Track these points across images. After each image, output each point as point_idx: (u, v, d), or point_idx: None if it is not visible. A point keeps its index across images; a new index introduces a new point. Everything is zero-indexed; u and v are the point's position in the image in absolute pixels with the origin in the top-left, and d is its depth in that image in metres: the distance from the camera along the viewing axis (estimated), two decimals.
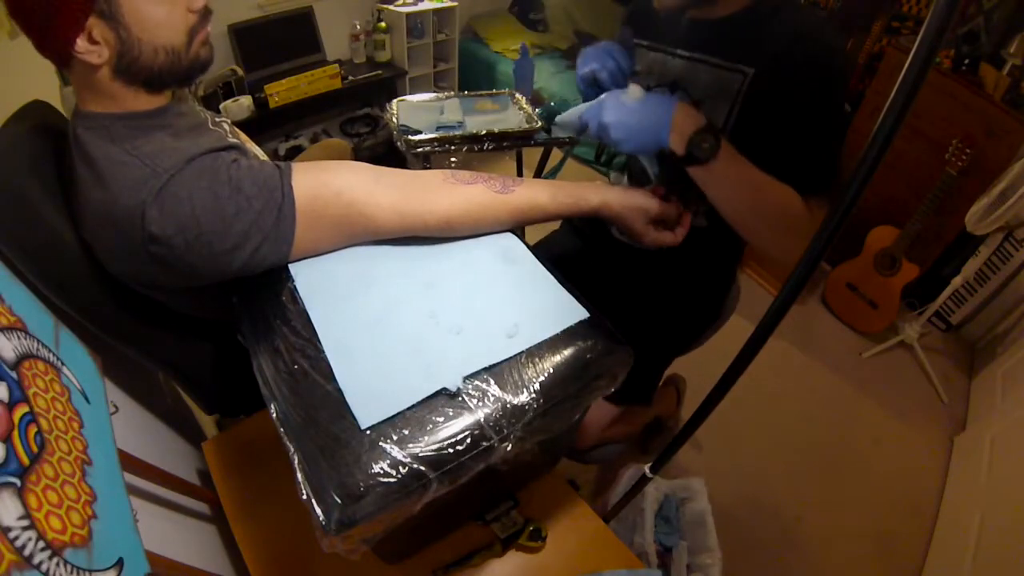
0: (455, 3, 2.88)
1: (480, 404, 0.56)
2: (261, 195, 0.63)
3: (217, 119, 0.79)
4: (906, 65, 0.39)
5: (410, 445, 0.52)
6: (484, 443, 0.54)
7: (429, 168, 1.70)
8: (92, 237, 0.66)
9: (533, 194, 0.76)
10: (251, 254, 0.63)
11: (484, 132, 1.55)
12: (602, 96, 0.78)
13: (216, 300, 0.73)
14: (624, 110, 0.74)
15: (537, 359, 0.61)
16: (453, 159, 1.55)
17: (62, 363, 0.62)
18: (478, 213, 0.73)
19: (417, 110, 1.64)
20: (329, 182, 0.66)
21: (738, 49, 0.81)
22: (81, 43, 0.59)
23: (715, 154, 0.72)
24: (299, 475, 0.50)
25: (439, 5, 2.83)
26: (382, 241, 0.73)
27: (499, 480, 0.79)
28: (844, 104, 0.79)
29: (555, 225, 1.27)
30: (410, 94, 1.79)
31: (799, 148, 0.78)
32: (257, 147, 0.92)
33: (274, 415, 0.56)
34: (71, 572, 0.44)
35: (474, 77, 3.20)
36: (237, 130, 0.89)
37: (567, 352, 0.62)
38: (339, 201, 0.66)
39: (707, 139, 0.71)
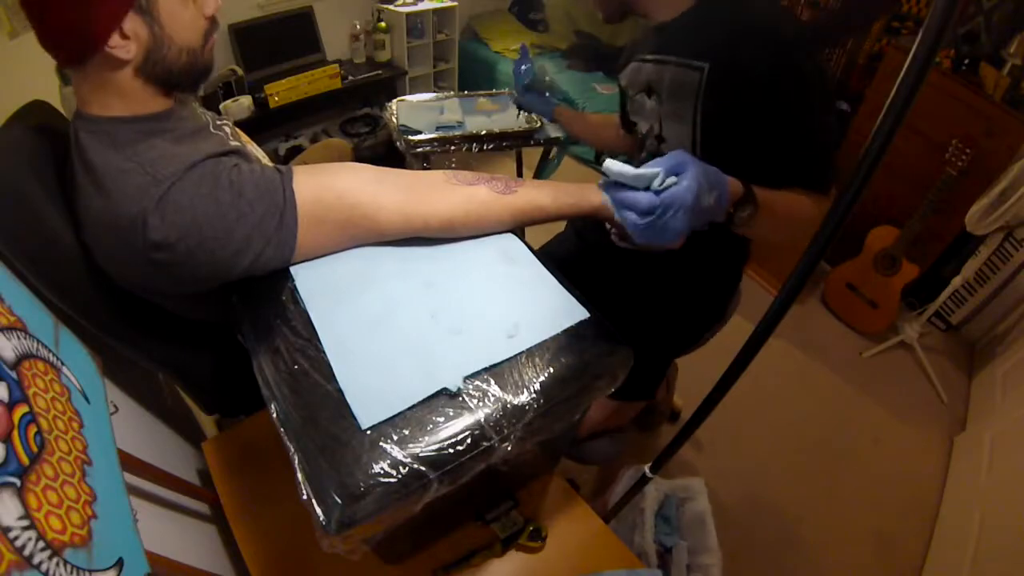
0: (455, 3, 2.88)
1: (480, 404, 0.56)
2: (263, 200, 0.63)
3: (219, 122, 0.79)
4: (906, 65, 0.39)
5: (410, 445, 0.52)
6: (484, 443, 0.54)
7: (429, 168, 1.71)
8: (93, 243, 0.66)
9: (535, 195, 0.76)
10: (254, 259, 0.64)
11: (484, 132, 1.55)
12: (685, 181, 0.61)
13: (216, 303, 0.73)
14: (699, 213, 0.63)
15: (537, 359, 0.61)
16: (453, 159, 1.55)
17: (62, 363, 0.62)
18: (480, 214, 0.73)
19: (417, 110, 1.64)
20: (331, 185, 0.66)
21: (693, 47, 0.82)
22: (116, 37, 0.59)
23: (753, 220, 0.71)
24: (299, 475, 0.50)
25: (439, 5, 2.83)
26: (382, 241, 0.73)
27: (499, 480, 0.79)
28: (814, 101, 0.76)
29: (559, 228, 1.27)
30: (410, 94, 1.79)
31: (775, 144, 0.78)
32: (258, 148, 0.92)
33: (274, 415, 0.56)
34: (71, 572, 0.44)
35: (474, 77, 3.20)
36: (239, 132, 0.88)
37: (567, 352, 0.62)
38: (341, 204, 0.66)
39: (747, 209, 0.71)
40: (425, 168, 1.66)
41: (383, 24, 2.72)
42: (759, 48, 0.76)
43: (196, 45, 0.67)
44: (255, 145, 0.92)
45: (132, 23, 0.59)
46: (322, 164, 0.70)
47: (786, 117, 0.77)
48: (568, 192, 0.77)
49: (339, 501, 0.48)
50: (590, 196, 0.77)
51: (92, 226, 0.64)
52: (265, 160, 0.86)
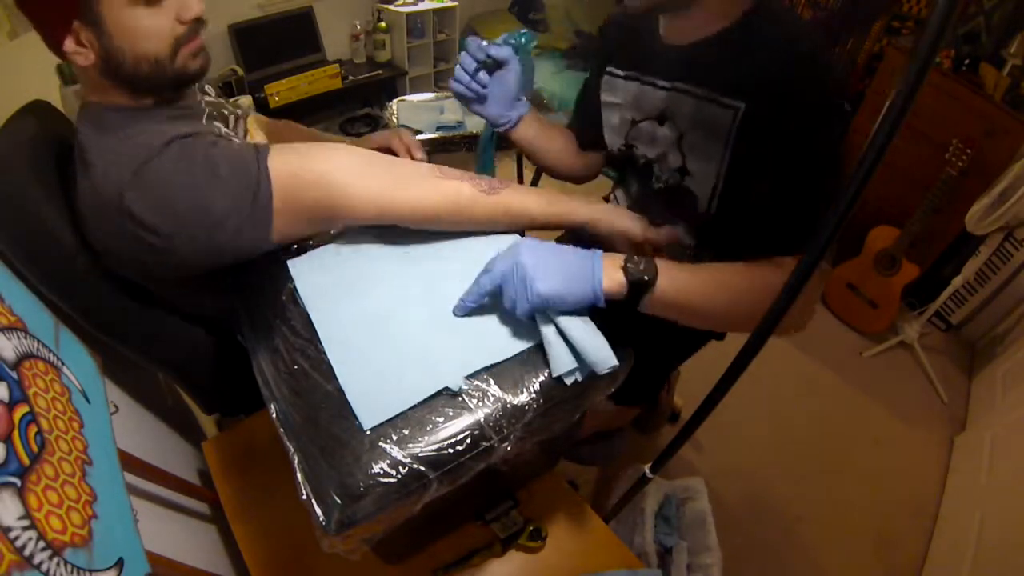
0: (455, 3, 2.88)
1: (480, 404, 0.56)
2: (236, 176, 0.62)
3: (227, 116, 0.79)
4: (905, 65, 0.39)
5: (410, 445, 0.52)
6: (484, 443, 0.54)
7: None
8: (85, 227, 0.66)
9: (520, 198, 0.74)
10: (232, 235, 0.63)
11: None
12: (512, 245, 0.64)
13: (215, 296, 0.73)
14: (544, 251, 0.61)
15: (538, 358, 0.61)
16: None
17: (62, 363, 0.62)
18: (461, 208, 0.71)
19: (417, 110, 1.64)
20: (311, 167, 0.65)
21: (723, 80, 0.72)
22: (69, 44, 0.60)
23: (655, 271, 0.63)
24: (299, 475, 0.51)
25: (439, 5, 2.83)
26: (383, 240, 0.73)
27: (499, 480, 0.79)
28: (841, 152, 0.69)
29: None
30: (410, 94, 1.79)
31: (792, 195, 0.70)
32: (263, 137, 0.91)
33: (274, 415, 0.56)
34: (71, 572, 0.44)
35: None
36: (256, 121, 0.87)
37: None
38: (319, 184, 0.65)
39: (640, 261, 0.63)
40: None
41: (383, 24, 2.71)
42: (805, 93, 0.66)
43: (160, 54, 0.64)
44: (263, 137, 0.91)
45: (84, 33, 0.60)
46: (304, 145, 0.68)
47: (811, 167, 0.69)
48: (559, 202, 0.76)
49: (339, 501, 0.48)
50: (578, 210, 0.77)
51: (83, 207, 0.64)
52: None
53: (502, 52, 0.85)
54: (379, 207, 0.68)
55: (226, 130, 0.74)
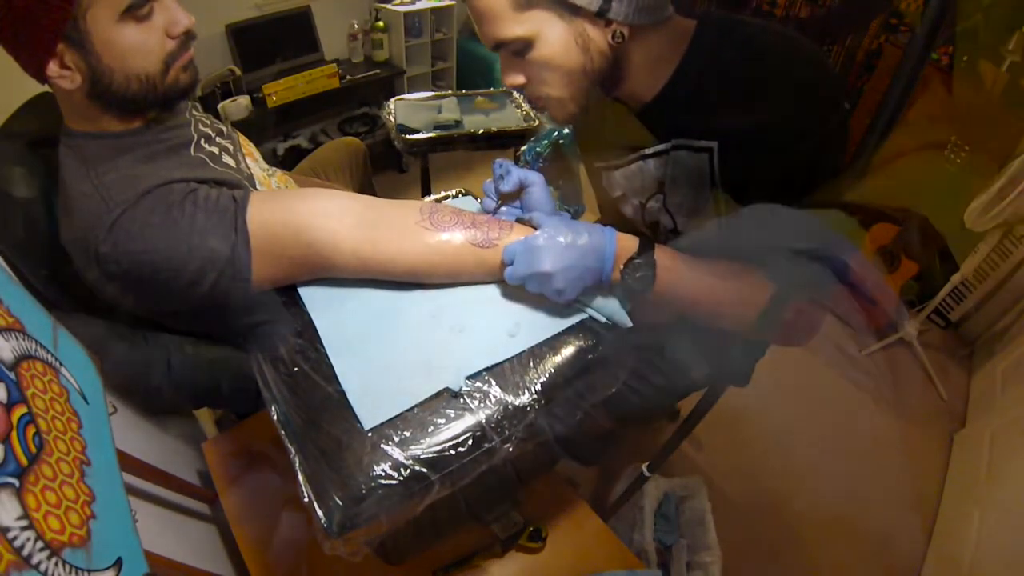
0: (453, 2, 2.87)
1: (481, 405, 0.56)
2: (214, 232, 0.60)
3: (217, 139, 0.77)
4: (901, 60, 0.39)
5: (412, 447, 0.52)
6: (486, 444, 0.54)
7: (426, 166, 1.68)
8: (71, 258, 0.65)
9: None
10: (210, 288, 0.61)
11: (482, 131, 1.55)
12: (532, 234, 0.62)
13: (211, 322, 0.72)
14: (562, 251, 0.59)
15: (538, 359, 0.61)
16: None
17: (60, 364, 0.62)
18: (449, 267, 0.65)
19: (415, 109, 1.63)
20: (288, 221, 0.62)
21: (692, 123, 0.66)
22: (53, 68, 0.58)
23: (652, 283, 0.62)
24: (300, 477, 0.50)
25: (437, 4, 2.82)
26: None
27: (499, 480, 0.79)
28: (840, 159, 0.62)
29: None
30: (408, 93, 1.79)
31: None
32: (258, 160, 0.90)
33: (275, 417, 0.55)
34: (70, 572, 0.44)
35: (472, 76, 3.20)
36: (241, 139, 0.86)
37: (568, 351, 0.62)
38: (298, 242, 0.62)
39: (639, 268, 0.62)
40: (423, 167, 1.66)
41: (381, 23, 2.71)
42: (772, 94, 0.60)
43: (151, 71, 0.63)
44: (256, 157, 0.90)
45: (69, 55, 0.58)
46: (285, 194, 0.66)
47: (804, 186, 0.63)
48: None
49: (340, 503, 0.48)
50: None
51: (64, 243, 0.63)
52: (261, 175, 0.84)
53: (510, 183, 0.69)
54: (361, 266, 0.64)
55: (217, 167, 0.71)
